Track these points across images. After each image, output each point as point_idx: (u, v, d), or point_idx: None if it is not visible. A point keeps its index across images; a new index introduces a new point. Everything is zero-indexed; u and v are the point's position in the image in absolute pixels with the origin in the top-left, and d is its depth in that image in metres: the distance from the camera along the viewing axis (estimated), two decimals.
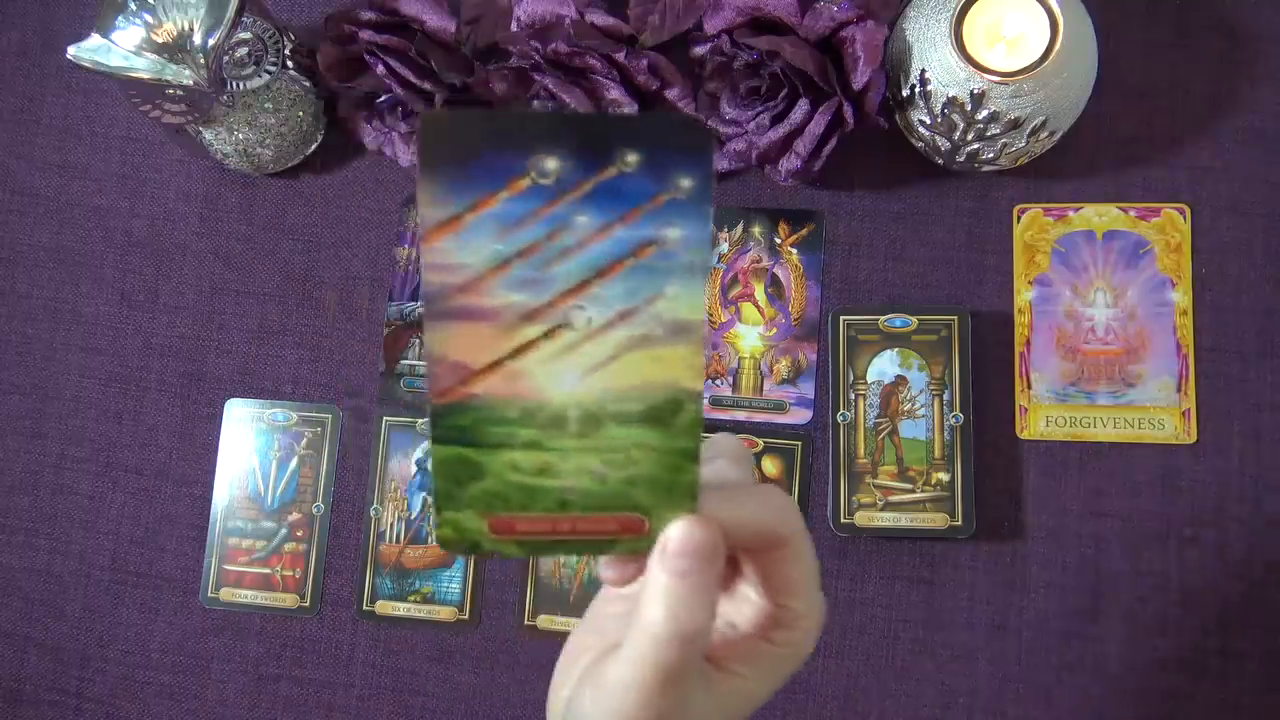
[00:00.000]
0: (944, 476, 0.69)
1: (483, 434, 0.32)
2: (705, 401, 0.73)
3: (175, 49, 0.67)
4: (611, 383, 0.32)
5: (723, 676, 0.36)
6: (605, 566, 0.35)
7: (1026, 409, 0.71)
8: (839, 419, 0.71)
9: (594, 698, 0.35)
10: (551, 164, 0.30)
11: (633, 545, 0.34)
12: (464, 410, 0.32)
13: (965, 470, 0.69)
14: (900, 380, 0.71)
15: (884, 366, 0.71)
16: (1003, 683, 0.69)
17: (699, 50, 0.72)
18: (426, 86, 0.71)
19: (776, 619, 0.37)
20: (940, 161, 0.71)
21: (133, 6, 0.66)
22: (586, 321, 0.31)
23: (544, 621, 0.72)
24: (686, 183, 0.30)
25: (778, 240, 0.74)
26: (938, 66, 0.65)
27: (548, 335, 0.31)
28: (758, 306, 0.74)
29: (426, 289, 0.30)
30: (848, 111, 0.68)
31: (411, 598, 0.73)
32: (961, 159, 0.69)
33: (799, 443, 0.72)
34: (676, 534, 0.33)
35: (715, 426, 0.72)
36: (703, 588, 0.33)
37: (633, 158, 0.30)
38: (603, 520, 0.33)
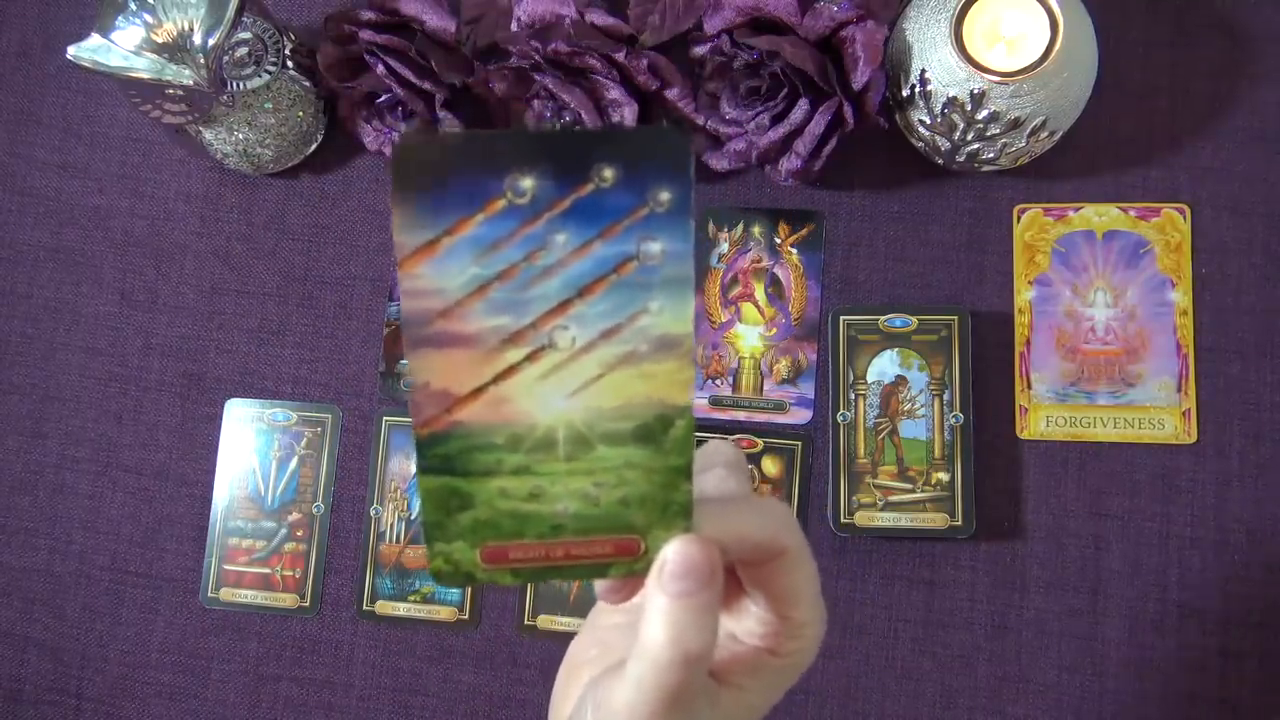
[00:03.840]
0: (944, 476, 0.69)
1: (470, 462, 0.31)
2: (705, 401, 0.73)
3: (175, 49, 0.67)
4: (599, 402, 0.31)
5: (725, 690, 0.36)
6: (602, 588, 0.35)
7: (1026, 409, 0.71)
8: (839, 419, 0.71)
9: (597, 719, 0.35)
10: (527, 183, 0.29)
11: (629, 567, 0.33)
12: (449, 439, 0.31)
13: (965, 470, 0.69)
14: (900, 380, 0.71)
15: (884, 366, 0.71)
16: (1002, 683, 0.69)
17: (699, 50, 0.72)
18: (426, 86, 0.71)
19: (779, 630, 0.36)
20: (940, 161, 0.71)
21: (133, 6, 0.66)
22: (570, 341, 0.30)
23: (544, 622, 0.72)
24: (665, 196, 0.29)
25: (778, 240, 0.74)
26: (938, 66, 0.65)
27: (531, 357, 0.31)
28: (758, 306, 0.74)
29: (406, 316, 0.30)
30: (848, 111, 0.68)
31: (411, 598, 0.73)
32: (961, 159, 0.69)
33: (799, 443, 0.72)
34: (673, 555, 0.32)
35: (715, 426, 0.72)
36: (704, 608, 0.32)
37: (609, 173, 0.29)
38: (597, 543, 0.33)
